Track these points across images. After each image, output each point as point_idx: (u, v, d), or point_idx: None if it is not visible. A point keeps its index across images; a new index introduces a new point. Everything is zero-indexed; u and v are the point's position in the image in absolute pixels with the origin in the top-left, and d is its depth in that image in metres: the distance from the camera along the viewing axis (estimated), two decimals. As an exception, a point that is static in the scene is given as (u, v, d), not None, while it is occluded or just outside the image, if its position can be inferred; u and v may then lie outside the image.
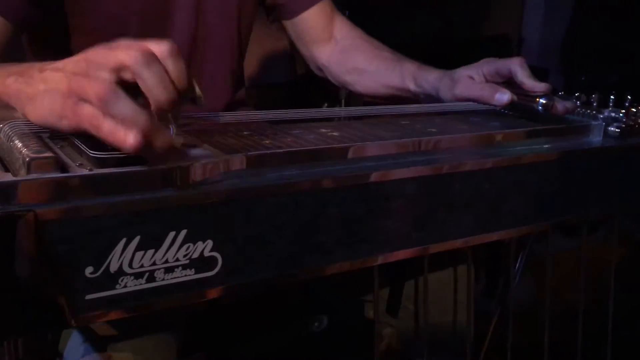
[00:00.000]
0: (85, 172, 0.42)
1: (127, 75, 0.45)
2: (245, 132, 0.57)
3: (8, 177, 0.40)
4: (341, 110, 0.69)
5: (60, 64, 0.47)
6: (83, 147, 0.45)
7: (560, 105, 0.70)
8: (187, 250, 0.46)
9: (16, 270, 0.40)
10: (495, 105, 0.74)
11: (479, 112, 0.76)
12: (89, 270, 0.43)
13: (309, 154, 0.51)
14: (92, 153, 0.44)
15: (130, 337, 0.61)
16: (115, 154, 0.44)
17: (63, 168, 0.43)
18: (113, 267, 0.43)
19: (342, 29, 0.98)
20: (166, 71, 0.46)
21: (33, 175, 0.40)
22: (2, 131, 0.49)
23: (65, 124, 0.45)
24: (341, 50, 0.97)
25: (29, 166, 0.41)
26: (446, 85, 0.80)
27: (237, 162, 0.48)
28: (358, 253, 0.54)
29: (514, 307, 0.89)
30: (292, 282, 0.52)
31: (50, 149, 0.47)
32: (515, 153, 0.61)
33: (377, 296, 0.60)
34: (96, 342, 0.59)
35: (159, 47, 0.46)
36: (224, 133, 0.56)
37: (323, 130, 0.60)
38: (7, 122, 0.50)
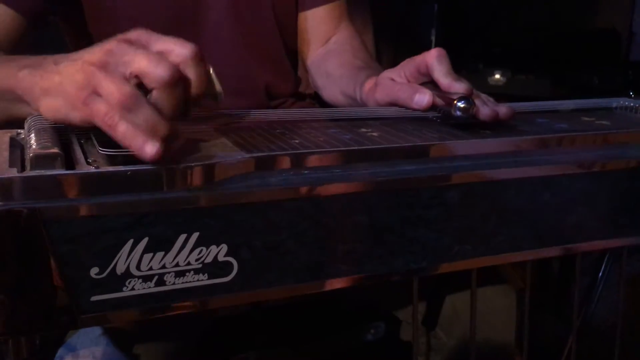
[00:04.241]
0: (91, 169, 0.41)
1: (145, 83, 0.44)
2: (277, 131, 0.54)
3: (10, 173, 0.39)
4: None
5: (77, 54, 0.46)
6: (95, 142, 0.44)
7: (486, 110, 0.56)
8: (199, 254, 0.44)
9: (18, 268, 0.39)
10: (416, 110, 0.61)
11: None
12: (94, 271, 0.41)
13: (333, 155, 0.48)
14: (101, 150, 0.43)
15: (146, 337, 0.60)
16: (125, 151, 0.43)
17: (71, 165, 0.42)
18: (120, 269, 0.42)
19: (341, 36, 0.91)
20: (185, 78, 0.45)
21: (34, 172, 0.39)
22: (27, 123, 0.49)
23: (75, 116, 0.44)
24: (323, 54, 0.90)
25: (32, 162, 0.40)
26: (371, 90, 0.69)
27: (254, 162, 0.45)
28: (390, 265, 0.50)
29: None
30: (314, 293, 0.48)
31: (67, 145, 0.46)
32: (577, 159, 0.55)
33: (415, 313, 0.55)
34: (115, 337, 0.59)
35: (182, 51, 0.45)
36: (254, 131, 0.53)
37: (363, 130, 0.56)
38: (36, 115, 0.50)
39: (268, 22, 0.84)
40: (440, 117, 0.59)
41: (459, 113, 0.55)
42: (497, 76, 2.13)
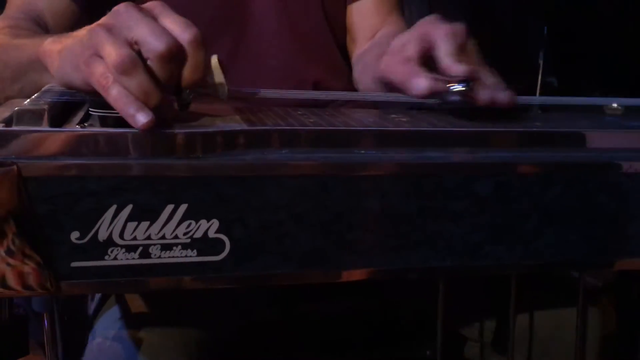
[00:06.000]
0: (76, 129, 0.40)
1: (142, 51, 0.42)
2: (298, 112, 0.50)
3: (-6, 127, 0.39)
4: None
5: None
6: (88, 103, 0.43)
7: (484, 95, 0.49)
8: (187, 227, 0.41)
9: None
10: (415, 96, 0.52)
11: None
12: (74, 235, 0.40)
13: (338, 135, 0.43)
14: (91, 110, 0.42)
15: (162, 324, 0.57)
16: (114, 113, 0.41)
17: (57, 123, 0.41)
18: (102, 236, 0.40)
19: (389, 30, 0.84)
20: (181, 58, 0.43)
21: (16, 127, 0.39)
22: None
23: (77, 77, 0.43)
24: (366, 48, 0.83)
25: (15, 116, 0.39)
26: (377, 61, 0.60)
27: (251, 134, 0.42)
28: (405, 260, 0.44)
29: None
30: (314, 281, 0.44)
31: (75, 108, 0.46)
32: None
33: (441, 323, 0.48)
34: (130, 320, 0.57)
35: (184, 35, 0.43)
36: (272, 111, 0.50)
37: (393, 115, 0.51)
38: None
39: (316, 15, 0.81)
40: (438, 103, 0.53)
41: (453, 98, 0.49)
42: (615, 105, 1.97)
